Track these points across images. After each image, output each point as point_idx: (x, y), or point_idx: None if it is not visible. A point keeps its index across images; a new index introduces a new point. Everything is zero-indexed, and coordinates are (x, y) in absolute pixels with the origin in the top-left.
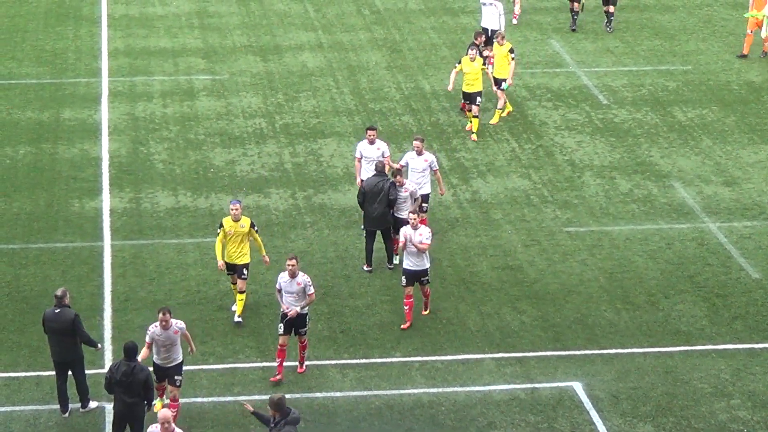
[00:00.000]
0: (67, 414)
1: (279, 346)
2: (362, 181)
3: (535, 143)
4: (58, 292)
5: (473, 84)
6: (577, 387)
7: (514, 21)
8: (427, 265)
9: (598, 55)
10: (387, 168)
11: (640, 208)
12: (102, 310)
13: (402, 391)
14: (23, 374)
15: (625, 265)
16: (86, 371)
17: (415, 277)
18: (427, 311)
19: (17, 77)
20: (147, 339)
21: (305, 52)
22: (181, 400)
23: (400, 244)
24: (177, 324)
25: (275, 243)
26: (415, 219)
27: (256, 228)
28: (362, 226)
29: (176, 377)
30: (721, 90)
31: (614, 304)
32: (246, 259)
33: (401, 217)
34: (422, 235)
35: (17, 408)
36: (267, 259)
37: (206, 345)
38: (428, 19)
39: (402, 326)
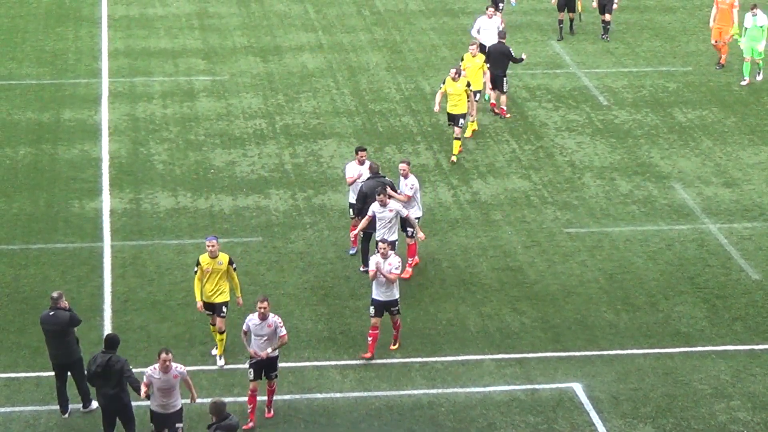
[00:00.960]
0: (66, 415)
1: (250, 392)
2: (360, 188)
3: (536, 144)
4: (54, 295)
5: (458, 105)
6: (577, 388)
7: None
8: (397, 296)
9: (598, 56)
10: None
11: (640, 210)
12: (102, 311)
13: (402, 392)
14: (23, 375)
15: (625, 267)
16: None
17: (385, 308)
18: (396, 345)
19: (17, 78)
20: (144, 380)
21: (305, 53)
22: (181, 401)
23: (371, 273)
24: (177, 368)
25: (275, 244)
26: (385, 248)
27: (234, 266)
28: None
29: (177, 425)
30: (721, 91)
31: (614, 306)
32: (225, 297)
33: (392, 240)
34: (391, 264)
35: (17, 409)
36: (241, 301)
37: (206, 346)
38: (428, 20)
39: (363, 354)
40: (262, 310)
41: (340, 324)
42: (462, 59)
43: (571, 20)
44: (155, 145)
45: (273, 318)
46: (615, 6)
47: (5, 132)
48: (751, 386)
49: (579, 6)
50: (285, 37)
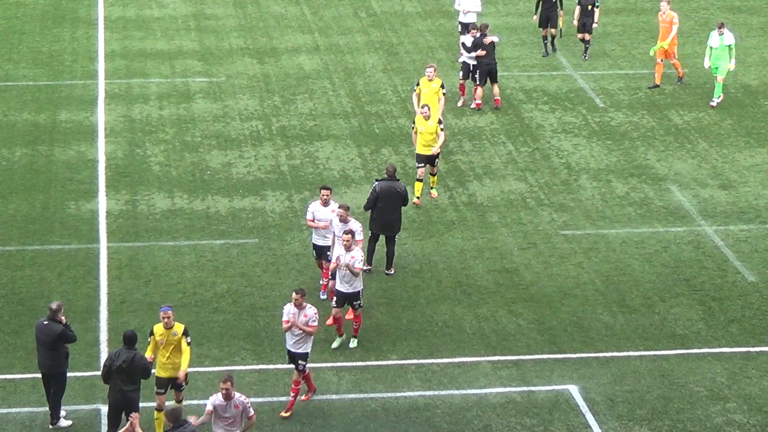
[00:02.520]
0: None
1: None
2: (374, 187)
3: (532, 146)
4: (53, 306)
5: (432, 145)
6: (573, 390)
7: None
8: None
9: (594, 58)
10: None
11: (636, 212)
12: (98, 313)
13: (398, 394)
14: (19, 376)
15: (621, 268)
16: (82, 373)
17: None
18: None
19: (14, 79)
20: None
21: (302, 55)
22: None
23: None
24: (240, 398)
25: (271, 245)
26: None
27: (188, 338)
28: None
29: None
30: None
31: (610, 307)
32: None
33: (351, 291)
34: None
35: (13, 410)
36: (183, 375)
37: (202, 347)
38: (425, 21)
39: (329, 322)
40: (225, 391)
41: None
42: (418, 83)
43: (553, 37)
44: (151, 146)
45: (240, 398)
46: (595, 25)
47: (1, 133)
48: (746, 388)
49: (561, 22)
50: (281, 39)
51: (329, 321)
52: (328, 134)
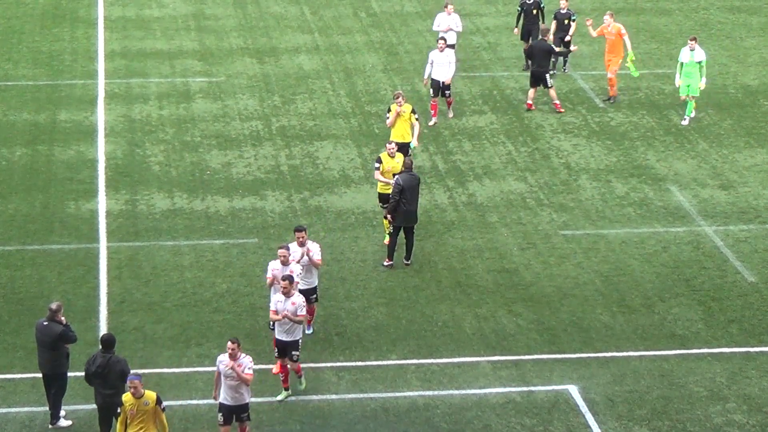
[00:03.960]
0: (53, 426)
1: None
2: (397, 182)
3: (532, 146)
4: (53, 306)
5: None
6: (573, 390)
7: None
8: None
9: (594, 58)
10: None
11: (636, 212)
12: (97, 312)
13: (397, 394)
14: (18, 376)
15: (621, 269)
16: (81, 373)
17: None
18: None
19: (13, 79)
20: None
21: (302, 55)
22: (178, 402)
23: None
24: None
25: (271, 245)
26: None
27: (163, 406)
28: (392, 224)
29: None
30: (717, 93)
31: (610, 308)
32: None
33: (305, 288)
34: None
35: (12, 410)
36: None
37: (202, 347)
38: (424, 21)
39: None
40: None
41: (335, 325)
42: (389, 110)
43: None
44: (151, 146)
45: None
46: (568, 38)
47: (1, 133)
48: (746, 388)
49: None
50: (281, 39)
51: (276, 369)
52: (328, 134)
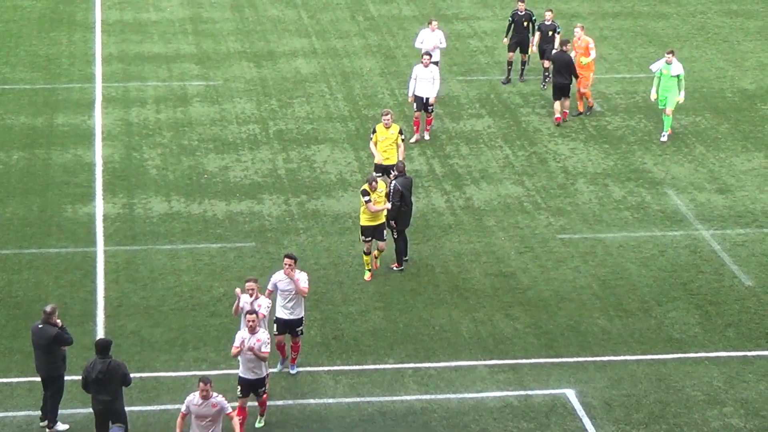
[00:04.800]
0: (43, 424)
1: None
2: (395, 188)
3: (529, 150)
4: (48, 309)
5: (378, 216)
6: (570, 394)
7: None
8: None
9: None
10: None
11: (633, 216)
12: (95, 316)
13: (395, 398)
14: (15, 380)
15: (618, 273)
16: (78, 377)
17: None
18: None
19: (11, 82)
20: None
21: (299, 58)
22: (175, 406)
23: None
24: (217, 398)
25: (268, 249)
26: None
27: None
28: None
29: None
30: (714, 97)
31: (607, 312)
32: None
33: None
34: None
35: (9, 414)
36: None
37: (199, 351)
38: (422, 25)
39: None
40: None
41: (333, 329)
42: (374, 131)
43: (524, 63)
44: (148, 150)
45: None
46: (555, 51)
47: None
48: (743, 392)
49: (532, 48)
50: (278, 43)
51: (234, 412)
52: (326, 138)
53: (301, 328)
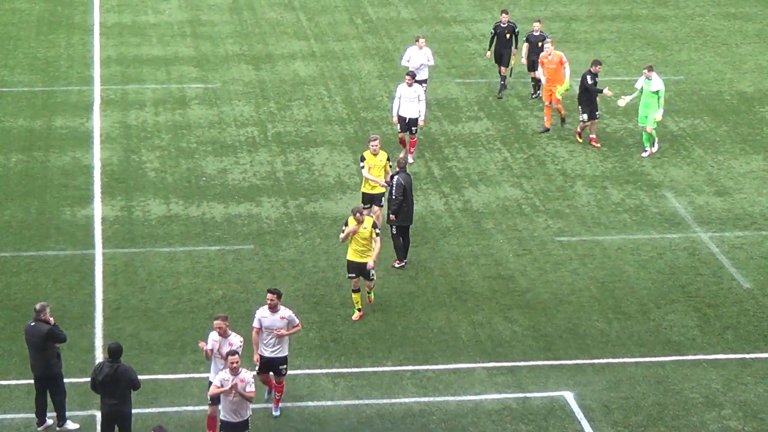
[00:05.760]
0: (41, 428)
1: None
2: (390, 180)
3: (527, 153)
4: (37, 306)
5: (366, 251)
6: (569, 396)
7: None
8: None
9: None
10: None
11: (631, 218)
12: (93, 319)
13: (393, 401)
14: (14, 382)
15: (617, 275)
16: (77, 379)
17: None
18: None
19: (9, 85)
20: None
21: (297, 61)
22: (173, 409)
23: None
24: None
25: (267, 252)
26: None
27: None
28: (396, 224)
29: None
30: (713, 100)
31: (606, 314)
32: None
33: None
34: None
35: (8, 416)
36: None
37: (197, 353)
38: (420, 28)
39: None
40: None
41: (331, 332)
42: (362, 158)
43: (503, 77)
44: (147, 152)
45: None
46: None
47: None
48: (742, 395)
49: (512, 61)
50: (277, 45)
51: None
52: (324, 140)
53: (284, 366)
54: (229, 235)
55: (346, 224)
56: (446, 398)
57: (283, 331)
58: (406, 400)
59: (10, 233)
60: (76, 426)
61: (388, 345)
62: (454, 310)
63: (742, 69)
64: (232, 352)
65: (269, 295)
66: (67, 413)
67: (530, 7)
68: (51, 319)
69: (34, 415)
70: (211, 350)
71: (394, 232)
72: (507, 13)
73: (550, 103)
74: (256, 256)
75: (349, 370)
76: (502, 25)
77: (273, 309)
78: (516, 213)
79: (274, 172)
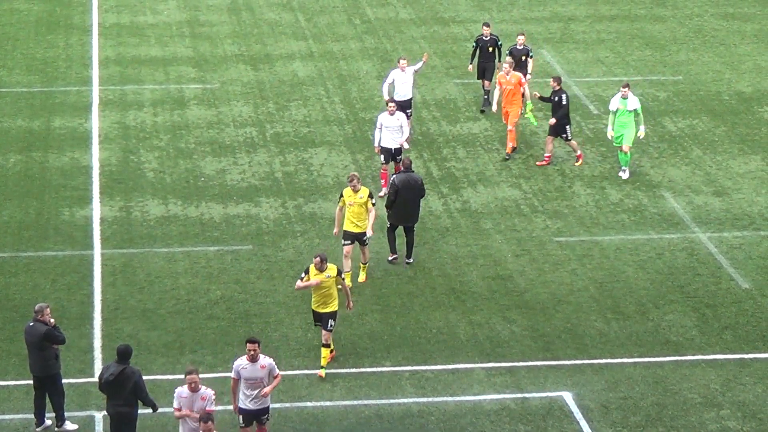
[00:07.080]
0: (39, 429)
1: None
2: (392, 182)
3: (526, 153)
4: (36, 307)
5: (328, 303)
6: (567, 397)
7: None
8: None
9: (588, 65)
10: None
11: (630, 218)
12: (92, 319)
13: (392, 401)
14: (12, 383)
15: (615, 275)
16: (75, 380)
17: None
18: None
19: (8, 85)
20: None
21: (296, 61)
22: (172, 409)
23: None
24: (206, 390)
25: (266, 252)
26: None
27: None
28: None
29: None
30: (711, 100)
31: (604, 314)
32: None
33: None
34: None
35: (6, 417)
36: None
37: (196, 354)
38: (419, 28)
39: None
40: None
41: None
42: (341, 195)
43: (487, 90)
44: (145, 153)
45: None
46: (528, 77)
47: None
48: (740, 395)
49: (496, 75)
50: (275, 46)
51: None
52: (323, 141)
53: (267, 415)
54: (228, 236)
55: (307, 272)
56: (445, 398)
57: (267, 390)
58: (405, 400)
59: (9, 234)
60: (75, 427)
61: (386, 345)
62: (452, 311)
63: (741, 69)
64: (204, 418)
65: (249, 345)
66: (66, 414)
67: (528, 7)
68: (52, 320)
69: (32, 416)
70: (187, 413)
71: (388, 226)
72: (488, 26)
73: (514, 126)
74: (255, 256)
75: (348, 370)
76: (484, 38)
77: (253, 360)
78: (514, 213)
79: (273, 173)
